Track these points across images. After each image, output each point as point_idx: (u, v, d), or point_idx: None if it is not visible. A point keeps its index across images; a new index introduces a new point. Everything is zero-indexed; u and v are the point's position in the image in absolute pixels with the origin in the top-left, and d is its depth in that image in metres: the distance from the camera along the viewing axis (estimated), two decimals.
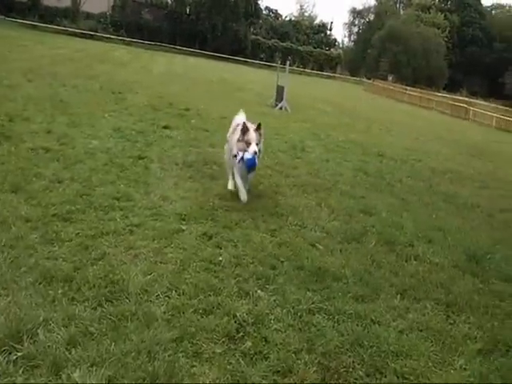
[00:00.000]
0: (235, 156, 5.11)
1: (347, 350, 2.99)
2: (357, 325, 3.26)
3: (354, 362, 2.90)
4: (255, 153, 4.95)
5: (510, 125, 25.90)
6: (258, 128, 5.12)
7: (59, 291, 3.09)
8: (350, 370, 2.82)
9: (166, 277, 3.46)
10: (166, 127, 8.67)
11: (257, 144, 4.99)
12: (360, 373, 2.81)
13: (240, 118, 5.70)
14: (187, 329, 2.92)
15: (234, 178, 5.42)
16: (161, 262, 3.69)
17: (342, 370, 2.80)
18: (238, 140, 5.08)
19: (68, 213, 4.27)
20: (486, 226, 6.19)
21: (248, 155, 4.95)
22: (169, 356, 2.67)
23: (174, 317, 3.03)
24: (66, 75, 13.13)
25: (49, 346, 2.59)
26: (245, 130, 5.02)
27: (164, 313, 3.05)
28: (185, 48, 44.36)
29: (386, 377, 2.82)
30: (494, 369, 3.07)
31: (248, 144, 4.98)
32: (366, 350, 3.00)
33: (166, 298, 3.21)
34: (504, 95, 48.42)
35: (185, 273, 3.58)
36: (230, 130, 5.73)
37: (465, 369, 3.01)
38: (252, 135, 5.00)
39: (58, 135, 6.74)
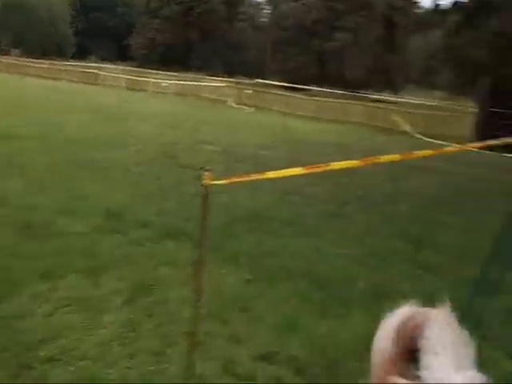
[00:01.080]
0: None
1: None
2: None
3: None
4: None
5: (137, 84, 27.97)
6: None
7: None
8: None
9: None
10: None
11: None
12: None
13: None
14: None
15: None
16: None
17: None
18: None
19: None
20: (123, 183, 6.56)
21: None
22: None
23: None
24: None
25: None
26: None
27: None
28: None
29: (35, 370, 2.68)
30: (141, 310, 3.35)
31: None
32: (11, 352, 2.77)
33: None
34: (130, 57, 51.52)
35: None
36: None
37: (114, 322, 3.17)
38: None
39: None
